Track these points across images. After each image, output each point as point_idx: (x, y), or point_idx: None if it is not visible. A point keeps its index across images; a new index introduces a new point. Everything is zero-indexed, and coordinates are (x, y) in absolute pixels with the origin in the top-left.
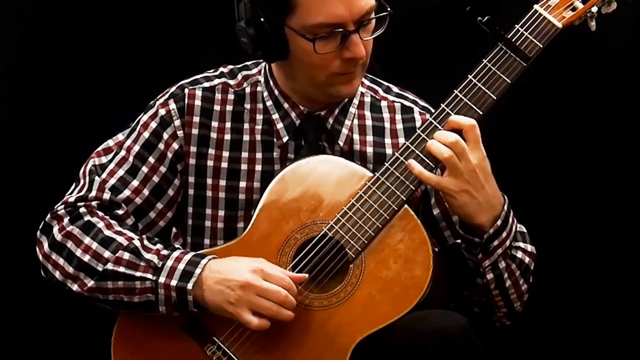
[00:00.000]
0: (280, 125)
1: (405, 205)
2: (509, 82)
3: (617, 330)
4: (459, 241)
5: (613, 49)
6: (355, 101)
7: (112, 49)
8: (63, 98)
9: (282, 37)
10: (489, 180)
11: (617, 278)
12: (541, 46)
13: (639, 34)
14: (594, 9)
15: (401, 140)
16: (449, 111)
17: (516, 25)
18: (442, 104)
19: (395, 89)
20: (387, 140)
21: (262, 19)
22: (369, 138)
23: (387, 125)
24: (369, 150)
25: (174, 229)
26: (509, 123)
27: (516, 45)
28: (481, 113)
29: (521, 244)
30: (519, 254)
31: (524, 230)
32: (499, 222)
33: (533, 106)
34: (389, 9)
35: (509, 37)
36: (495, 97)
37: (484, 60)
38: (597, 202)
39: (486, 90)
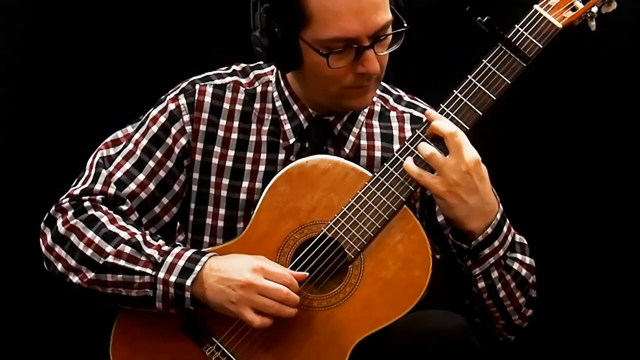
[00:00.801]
0: (287, 127)
1: (405, 206)
2: (509, 82)
3: (617, 330)
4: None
5: (613, 49)
6: (365, 110)
7: (112, 49)
8: (63, 98)
9: (296, 48)
10: (483, 185)
11: (616, 278)
12: (541, 46)
13: (639, 34)
14: (594, 9)
15: None
16: (449, 112)
17: (516, 26)
18: (441, 105)
19: (406, 98)
20: (396, 147)
21: (276, 30)
22: (377, 143)
23: (395, 133)
24: (377, 154)
25: (178, 224)
26: (509, 123)
27: (516, 46)
28: (481, 113)
29: (518, 256)
30: (515, 265)
31: (525, 242)
32: (489, 230)
33: (533, 106)
34: (405, 25)
35: (508, 37)
36: (495, 98)
37: (483, 60)
38: (596, 202)
39: (486, 91)
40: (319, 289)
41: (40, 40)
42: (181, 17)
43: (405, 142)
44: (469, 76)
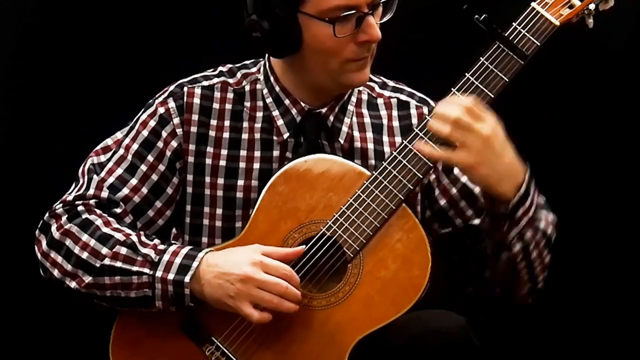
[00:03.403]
0: (280, 122)
1: (404, 205)
2: (507, 80)
3: (617, 330)
4: (476, 222)
5: (611, 46)
6: (353, 99)
7: (112, 48)
8: (63, 98)
9: (296, 26)
10: (505, 148)
11: (615, 277)
12: (539, 44)
13: (637, 31)
14: (592, 6)
15: (397, 139)
16: None
17: (513, 23)
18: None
19: (390, 83)
20: (385, 138)
21: (276, 10)
22: (369, 135)
23: (385, 122)
24: (370, 146)
25: (174, 231)
26: (507, 121)
27: (513, 43)
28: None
29: (543, 213)
30: (542, 225)
31: (544, 199)
32: (522, 190)
33: (531, 104)
34: None
35: (506, 35)
36: (492, 96)
37: (481, 58)
38: (595, 201)
39: (483, 89)
40: (318, 288)
41: (41, 40)
42: (181, 18)
43: (403, 141)
44: (466, 74)
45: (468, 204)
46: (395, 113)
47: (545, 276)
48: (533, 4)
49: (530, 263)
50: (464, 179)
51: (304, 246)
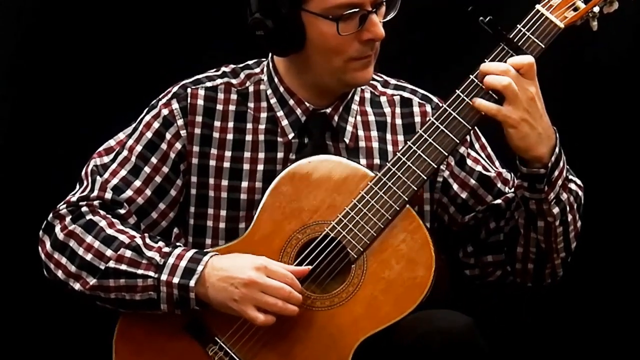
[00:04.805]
0: (285, 122)
1: (408, 206)
2: None
3: (619, 330)
4: (509, 196)
5: (615, 49)
6: (357, 98)
7: (111, 48)
8: (63, 98)
9: (300, 24)
10: (544, 110)
11: (618, 279)
12: (543, 46)
13: None
14: (596, 9)
15: (400, 137)
16: (451, 111)
17: (518, 26)
18: (444, 104)
19: (392, 81)
20: (388, 136)
21: (279, 8)
22: (373, 133)
23: (388, 120)
24: (375, 145)
25: (175, 230)
26: None
27: (518, 45)
28: (483, 114)
29: (571, 176)
30: (573, 186)
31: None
32: (556, 151)
33: None
34: None
35: (510, 37)
36: (496, 97)
37: (486, 60)
38: (597, 203)
39: (488, 90)
40: (321, 289)
41: (40, 40)
42: (181, 18)
43: (407, 142)
44: (471, 76)
45: (486, 190)
46: (398, 110)
47: (575, 246)
48: (538, 7)
49: (566, 227)
50: (478, 167)
51: (309, 267)
